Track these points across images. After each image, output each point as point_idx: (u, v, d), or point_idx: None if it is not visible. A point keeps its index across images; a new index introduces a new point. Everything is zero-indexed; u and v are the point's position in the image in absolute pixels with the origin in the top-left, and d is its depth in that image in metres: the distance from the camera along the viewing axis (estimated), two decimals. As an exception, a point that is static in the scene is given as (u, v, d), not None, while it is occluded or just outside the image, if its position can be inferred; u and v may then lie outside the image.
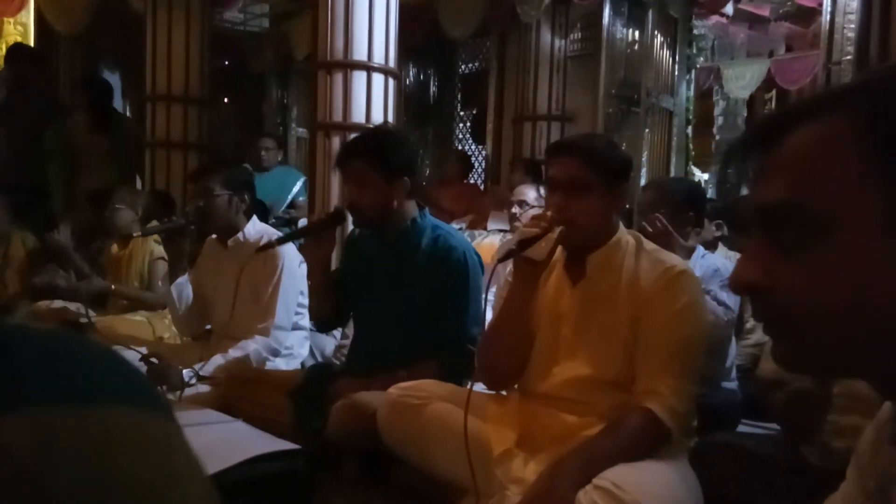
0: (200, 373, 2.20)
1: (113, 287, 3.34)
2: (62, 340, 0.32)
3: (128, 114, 6.42)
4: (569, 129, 5.38)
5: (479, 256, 2.12)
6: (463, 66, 7.25)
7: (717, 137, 8.74)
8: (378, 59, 3.36)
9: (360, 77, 3.33)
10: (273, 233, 2.54)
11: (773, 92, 8.12)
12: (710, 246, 2.67)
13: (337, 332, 2.81)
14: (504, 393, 1.79)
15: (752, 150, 0.60)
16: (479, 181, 6.50)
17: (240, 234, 2.49)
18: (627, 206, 2.89)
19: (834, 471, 0.75)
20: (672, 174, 5.39)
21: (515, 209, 3.28)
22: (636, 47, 5.41)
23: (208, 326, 2.64)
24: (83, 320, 2.86)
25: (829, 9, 4.57)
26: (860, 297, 0.52)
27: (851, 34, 4.18)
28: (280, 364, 2.43)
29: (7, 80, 4.81)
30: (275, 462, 1.57)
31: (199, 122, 5.02)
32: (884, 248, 0.51)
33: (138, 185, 4.98)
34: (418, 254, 2.06)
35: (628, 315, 1.59)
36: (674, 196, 2.36)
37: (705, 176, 7.41)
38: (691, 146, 6.06)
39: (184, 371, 2.18)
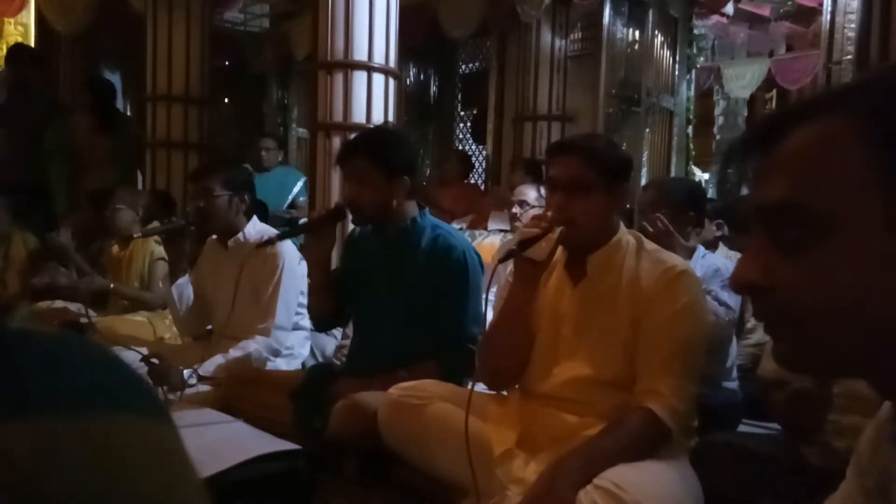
0: (201, 373, 2.20)
1: (112, 286, 3.35)
2: (63, 344, 0.32)
3: (128, 114, 6.42)
4: (569, 129, 5.37)
5: (479, 256, 2.12)
6: (463, 66, 7.25)
7: (718, 137, 8.74)
8: (378, 59, 3.36)
9: (360, 77, 3.33)
10: (273, 233, 2.54)
11: (774, 92, 8.13)
12: (711, 246, 2.67)
13: (337, 332, 2.81)
14: (504, 393, 1.79)
15: (752, 150, 0.60)
16: (479, 181, 6.50)
17: (240, 235, 2.49)
18: (628, 205, 2.89)
19: (834, 471, 0.75)
20: (672, 174, 5.40)
21: (516, 209, 3.28)
22: (636, 47, 5.41)
23: (209, 327, 2.65)
24: (84, 320, 2.86)
25: (829, 8, 4.56)
26: (861, 297, 0.52)
27: (852, 34, 4.18)
28: (281, 364, 2.43)
29: (7, 81, 4.81)
30: (275, 462, 1.57)
31: (199, 123, 5.02)
32: (884, 248, 0.51)
33: (139, 185, 4.99)
34: (418, 253, 2.06)
35: (629, 315, 1.58)
36: (674, 196, 2.36)
37: (706, 176, 7.41)
38: (692, 146, 6.06)
39: (184, 371, 2.18)
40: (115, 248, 3.47)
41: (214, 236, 2.58)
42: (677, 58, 5.61)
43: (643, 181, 4.81)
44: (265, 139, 5.38)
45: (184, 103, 4.92)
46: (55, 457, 0.28)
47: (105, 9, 5.14)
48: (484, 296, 1.99)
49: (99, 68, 6.53)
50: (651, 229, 2.19)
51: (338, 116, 3.33)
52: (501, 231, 3.92)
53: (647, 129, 5.27)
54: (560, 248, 1.63)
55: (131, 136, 4.91)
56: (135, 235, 3.06)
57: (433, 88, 7.37)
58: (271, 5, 6.82)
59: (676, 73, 5.64)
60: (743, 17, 6.92)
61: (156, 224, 3.30)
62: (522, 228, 1.65)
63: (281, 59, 7.06)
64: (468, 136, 7.18)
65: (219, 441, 1.62)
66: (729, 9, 6.24)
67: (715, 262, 2.31)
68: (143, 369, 2.17)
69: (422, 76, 7.32)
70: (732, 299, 2.20)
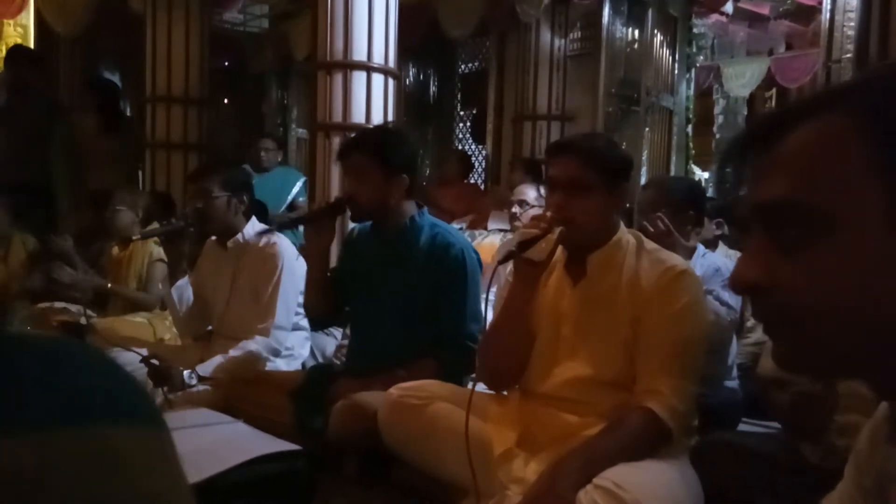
0: (201, 373, 2.20)
1: (109, 286, 3.35)
2: (61, 352, 0.32)
3: (128, 114, 6.42)
4: (569, 128, 5.37)
5: (477, 254, 2.12)
6: (463, 66, 7.25)
7: (718, 136, 8.74)
8: (378, 59, 3.36)
9: (359, 77, 3.33)
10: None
11: (774, 90, 8.13)
12: (711, 245, 2.67)
13: (337, 332, 2.81)
14: (505, 393, 1.79)
15: (752, 149, 0.60)
16: (479, 181, 6.50)
17: (239, 236, 2.49)
18: (628, 205, 2.89)
19: (834, 470, 0.75)
20: (672, 173, 5.38)
21: (515, 209, 3.28)
22: (636, 46, 5.40)
23: (209, 328, 2.64)
24: (84, 321, 2.86)
25: (828, 7, 4.56)
26: (861, 297, 0.52)
27: (851, 32, 4.18)
28: (281, 364, 2.43)
29: (7, 82, 4.80)
30: (276, 463, 1.57)
31: (199, 123, 5.01)
32: (885, 248, 0.51)
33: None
34: (416, 252, 2.06)
35: (629, 315, 1.58)
36: (674, 195, 2.36)
37: (706, 175, 7.40)
38: (691, 145, 6.05)
39: (184, 372, 2.18)
40: (115, 250, 3.47)
41: (214, 237, 2.58)
42: (677, 57, 5.61)
43: (643, 180, 4.80)
44: (265, 139, 5.37)
45: (183, 104, 4.92)
46: (55, 471, 0.28)
47: (104, 9, 5.14)
48: (483, 295, 1.99)
49: (98, 69, 6.54)
50: (651, 229, 2.19)
51: (337, 116, 3.33)
52: (501, 231, 3.92)
53: (647, 129, 5.27)
54: (560, 248, 1.63)
55: (135, 137, 4.91)
56: (134, 237, 3.05)
57: (433, 88, 7.37)
58: (271, 6, 6.82)
59: (676, 72, 5.63)
60: (742, 16, 6.92)
61: (155, 225, 3.31)
62: (522, 229, 1.65)
63: (280, 60, 7.07)
64: (468, 135, 7.18)
65: (219, 441, 1.62)
66: (728, 7, 6.24)
67: (715, 262, 2.31)
68: (143, 370, 2.17)
69: (421, 76, 7.32)
70: (734, 299, 2.20)
